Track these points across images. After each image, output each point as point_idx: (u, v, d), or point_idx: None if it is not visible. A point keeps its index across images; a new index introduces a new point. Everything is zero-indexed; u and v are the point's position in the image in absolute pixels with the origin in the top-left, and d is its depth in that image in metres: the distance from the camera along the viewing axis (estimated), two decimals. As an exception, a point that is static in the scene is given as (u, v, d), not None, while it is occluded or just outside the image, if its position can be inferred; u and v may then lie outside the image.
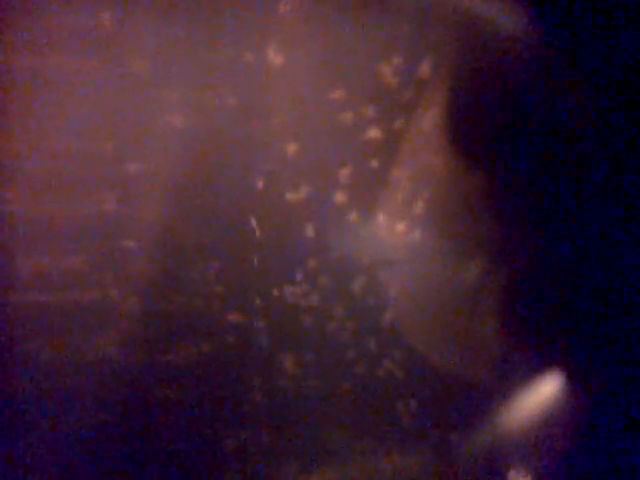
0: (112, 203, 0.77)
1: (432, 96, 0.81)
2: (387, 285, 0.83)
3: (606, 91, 0.81)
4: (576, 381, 0.83)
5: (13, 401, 0.76)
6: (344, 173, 0.81)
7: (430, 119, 0.82)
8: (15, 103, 0.74)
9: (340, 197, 0.82)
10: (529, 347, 0.84)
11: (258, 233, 0.81)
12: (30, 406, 0.76)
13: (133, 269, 0.79)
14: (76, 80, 0.74)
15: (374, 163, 0.82)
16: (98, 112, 0.75)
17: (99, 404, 0.78)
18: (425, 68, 0.81)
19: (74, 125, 0.75)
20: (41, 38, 0.73)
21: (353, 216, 0.82)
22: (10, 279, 0.75)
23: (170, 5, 0.75)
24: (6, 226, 0.75)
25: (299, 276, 0.82)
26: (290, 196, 0.81)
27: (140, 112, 0.76)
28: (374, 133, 0.81)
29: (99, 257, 0.78)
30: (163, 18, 0.75)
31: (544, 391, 0.83)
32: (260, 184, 0.80)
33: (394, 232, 0.83)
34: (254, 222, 0.80)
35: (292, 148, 0.80)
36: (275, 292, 0.82)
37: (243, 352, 0.82)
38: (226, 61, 0.78)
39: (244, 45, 0.78)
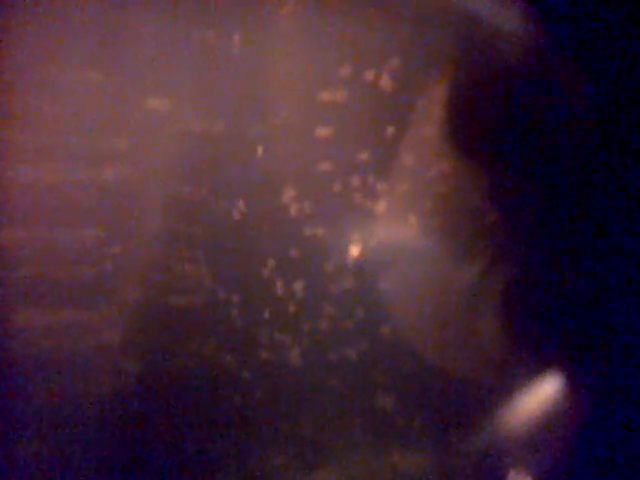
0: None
1: (431, 97, 0.81)
2: (387, 286, 0.83)
3: (607, 91, 0.81)
4: (576, 381, 0.83)
5: (12, 403, 0.76)
6: (342, 173, 0.81)
7: (430, 120, 0.82)
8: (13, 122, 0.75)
9: (339, 198, 0.82)
10: (529, 347, 0.84)
11: (255, 233, 0.81)
12: (28, 407, 0.77)
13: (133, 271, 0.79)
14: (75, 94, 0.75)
15: (373, 163, 0.82)
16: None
17: (94, 401, 0.78)
18: (426, 69, 0.81)
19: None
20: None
21: (352, 216, 0.82)
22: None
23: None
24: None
25: (300, 276, 0.82)
26: (289, 196, 0.81)
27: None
28: (374, 132, 0.81)
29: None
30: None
31: (544, 391, 0.83)
32: (256, 184, 0.80)
33: (394, 232, 0.83)
34: (252, 222, 0.81)
35: (290, 148, 0.80)
36: (277, 292, 0.82)
37: (242, 351, 0.82)
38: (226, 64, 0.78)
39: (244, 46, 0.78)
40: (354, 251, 0.83)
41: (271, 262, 0.81)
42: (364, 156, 0.81)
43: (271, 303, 0.82)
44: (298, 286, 0.82)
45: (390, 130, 0.82)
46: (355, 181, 0.82)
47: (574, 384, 0.82)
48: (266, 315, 0.82)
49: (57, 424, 0.78)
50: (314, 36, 0.79)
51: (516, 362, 0.84)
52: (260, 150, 0.80)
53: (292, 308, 0.82)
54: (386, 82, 0.81)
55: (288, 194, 0.81)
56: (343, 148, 0.81)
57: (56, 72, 0.76)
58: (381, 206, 0.82)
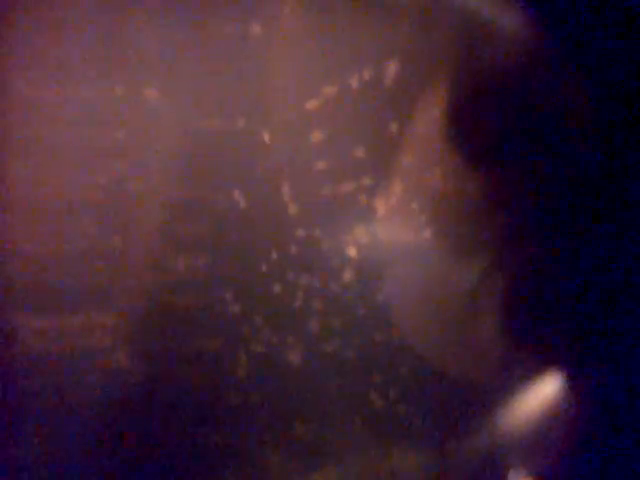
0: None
1: (430, 97, 0.81)
2: (387, 286, 0.83)
3: (607, 91, 0.81)
4: (576, 381, 0.83)
5: (13, 402, 0.76)
6: (342, 173, 0.81)
7: (430, 120, 0.82)
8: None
9: (340, 198, 0.82)
10: (529, 347, 0.84)
11: (256, 232, 0.81)
12: (30, 406, 0.77)
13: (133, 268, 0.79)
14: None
15: (373, 162, 0.82)
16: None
17: (94, 403, 0.78)
18: (426, 68, 0.81)
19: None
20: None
21: (353, 216, 0.82)
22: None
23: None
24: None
25: (300, 277, 0.82)
26: (290, 195, 0.81)
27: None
28: (375, 131, 0.81)
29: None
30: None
31: (544, 391, 0.83)
32: (257, 182, 0.80)
33: (394, 232, 0.83)
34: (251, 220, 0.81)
35: (290, 148, 0.80)
36: (276, 292, 0.82)
37: (243, 351, 0.82)
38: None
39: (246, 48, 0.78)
40: (354, 251, 0.83)
41: (271, 261, 0.81)
42: (364, 156, 0.81)
43: (272, 303, 0.82)
44: (298, 286, 0.82)
45: (390, 130, 0.82)
46: (355, 181, 0.82)
47: (574, 384, 0.83)
48: (266, 315, 0.82)
49: (57, 425, 0.78)
50: (315, 36, 0.80)
51: (516, 362, 0.84)
52: (261, 149, 0.80)
53: (292, 308, 0.82)
54: (387, 82, 0.81)
55: (289, 193, 0.81)
56: (343, 148, 0.81)
57: (58, 70, 0.76)
58: (382, 206, 0.82)
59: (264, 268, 0.81)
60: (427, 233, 0.83)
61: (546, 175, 0.82)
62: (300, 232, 0.81)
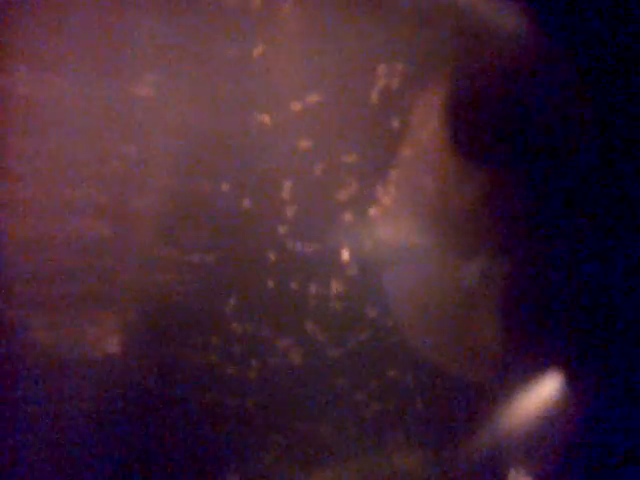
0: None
1: (432, 97, 0.81)
2: (387, 285, 0.83)
3: (606, 91, 0.81)
4: (576, 381, 0.83)
5: (13, 400, 0.76)
6: (342, 173, 0.81)
7: (430, 120, 0.82)
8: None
9: (339, 198, 0.82)
10: (529, 347, 0.84)
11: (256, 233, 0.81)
12: (30, 405, 0.77)
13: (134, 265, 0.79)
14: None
15: (373, 163, 0.82)
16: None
17: (97, 402, 0.78)
18: (426, 69, 0.81)
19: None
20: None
21: (353, 216, 0.82)
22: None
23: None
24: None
25: (301, 276, 0.82)
26: (289, 195, 0.81)
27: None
28: (375, 131, 0.82)
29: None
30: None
31: (544, 392, 0.83)
32: (256, 185, 0.80)
33: (394, 232, 0.83)
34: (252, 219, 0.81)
35: (289, 148, 0.80)
36: (277, 291, 0.82)
37: (242, 351, 0.82)
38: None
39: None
40: (354, 252, 0.83)
41: (270, 262, 0.81)
42: (363, 157, 0.81)
43: (271, 303, 0.82)
44: (297, 286, 0.82)
45: (389, 131, 0.82)
46: (355, 182, 0.82)
47: (574, 384, 0.83)
48: (266, 315, 0.82)
49: (56, 424, 0.78)
50: (315, 37, 0.80)
51: (516, 362, 0.84)
52: (260, 149, 0.80)
53: (291, 308, 0.82)
54: (387, 84, 0.81)
55: (288, 192, 0.81)
56: (341, 150, 0.81)
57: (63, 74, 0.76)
58: (381, 207, 0.82)
59: (264, 268, 0.81)
60: (427, 233, 0.83)
61: (547, 175, 0.83)
62: (300, 232, 0.82)
